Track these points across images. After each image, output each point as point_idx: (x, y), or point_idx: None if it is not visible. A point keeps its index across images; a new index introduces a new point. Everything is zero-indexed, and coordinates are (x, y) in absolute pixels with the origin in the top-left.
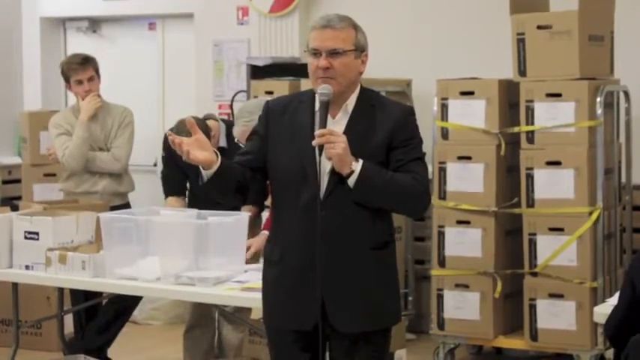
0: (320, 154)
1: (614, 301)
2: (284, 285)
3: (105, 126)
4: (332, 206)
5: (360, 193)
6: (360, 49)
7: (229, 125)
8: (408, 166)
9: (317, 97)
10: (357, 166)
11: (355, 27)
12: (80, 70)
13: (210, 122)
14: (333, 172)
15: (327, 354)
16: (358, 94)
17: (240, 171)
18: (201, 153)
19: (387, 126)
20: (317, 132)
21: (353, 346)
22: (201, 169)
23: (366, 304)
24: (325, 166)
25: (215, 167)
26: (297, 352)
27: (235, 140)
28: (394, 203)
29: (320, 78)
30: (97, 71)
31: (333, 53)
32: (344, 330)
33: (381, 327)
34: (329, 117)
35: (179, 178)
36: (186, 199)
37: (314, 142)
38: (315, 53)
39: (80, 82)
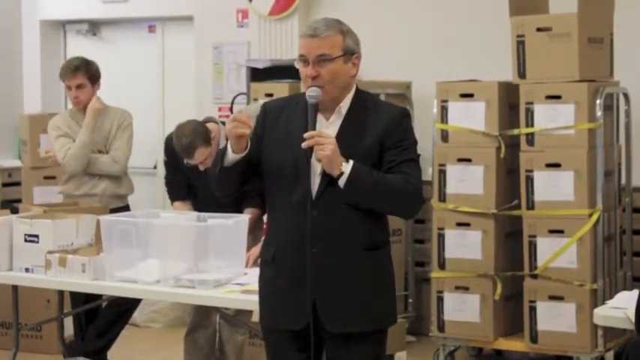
0: (311, 156)
1: (614, 302)
2: (277, 285)
3: (104, 128)
4: (323, 207)
5: (350, 194)
6: (350, 53)
7: None
8: (400, 167)
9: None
10: (347, 167)
11: (343, 32)
12: (70, 76)
13: (210, 125)
14: (324, 174)
15: (324, 355)
16: (353, 97)
17: None
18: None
19: (379, 128)
20: (306, 134)
21: (347, 347)
22: (229, 150)
23: (358, 305)
24: (316, 168)
25: (244, 153)
26: (292, 353)
27: None
28: (385, 204)
29: (309, 86)
30: (90, 78)
31: (320, 61)
32: (335, 330)
33: (374, 328)
34: (323, 119)
35: (183, 182)
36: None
37: (303, 145)
38: (304, 61)
39: (70, 88)
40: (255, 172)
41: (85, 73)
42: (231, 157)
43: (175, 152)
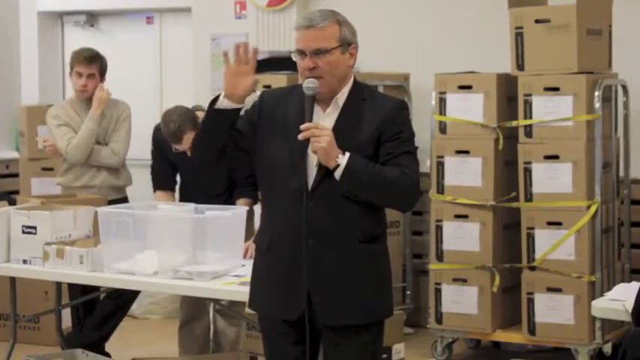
0: (307, 148)
1: (612, 294)
2: (272, 274)
3: (103, 120)
4: (319, 199)
5: (347, 186)
6: (347, 44)
7: None
8: (397, 160)
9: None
10: (343, 159)
11: (339, 22)
12: (84, 64)
13: (199, 113)
14: (321, 166)
15: (321, 348)
16: (351, 88)
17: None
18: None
19: (376, 120)
20: (302, 126)
21: (343, 340)
22: (221, 96)
23: (353, 298)
24: (313, 160)
25: (237, 105)
26: (289, 345)
27: None
28: (381, 196)
29: (307, 77)
30: (101, 72)
31: (317, 53)
32: (329, 322)
33: (369, 321)
34: (320, 111)
35: (168, 171)
36: (176, 193)
37: (299, 136)
38: (301, 54)
39: (80, 75)
40: (242, 146)
41: (99, 64)
42: (225, 102)
43: (163, 141)
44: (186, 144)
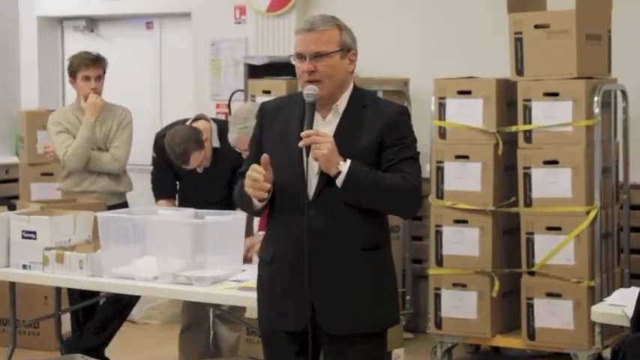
0: (308, 155)
1: (611, 300)
2: (276, 285)
3: (104, 126)
4: (321, 207)
5: (348, 194)
6: (346, 49)
7: (221, 125)
8: (399, 166)
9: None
10: (345, 166)
11: (339, 27)
12: (92, 66)
13: (200, 123)
14: (322, 173)
15: (322, 357)
16: (350, 94)
17: None
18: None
19: (377, 126)
20: (303, 133)
21: (346, 349)
22: (254, 200)
23: (356, 306)
24: (314, 167)
25: (267, 198)
26: (290, 356)
27: (232, 146)
28: (383, 203)
29: (307, 81)
30: (104, 72)
31: (317, 56)
32: (332, 331)
33: (372, 329)
34: (320, 118)
35: (170, 179)
36: (176, 201)
37: (300, 143)
38: (300, 57)
39: (87, 79)
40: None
41: (103, 64)
42: (257, 204)
43: (165, 149)
44: (194, 163)
